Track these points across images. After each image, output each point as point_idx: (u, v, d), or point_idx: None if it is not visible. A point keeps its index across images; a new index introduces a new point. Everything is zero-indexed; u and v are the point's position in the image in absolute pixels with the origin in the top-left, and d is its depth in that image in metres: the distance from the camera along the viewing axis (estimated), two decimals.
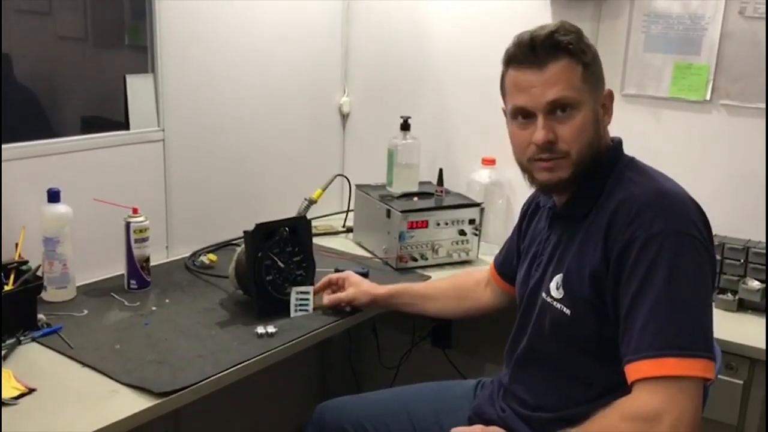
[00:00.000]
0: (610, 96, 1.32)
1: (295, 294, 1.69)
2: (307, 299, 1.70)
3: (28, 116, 1.85)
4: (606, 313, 1.23)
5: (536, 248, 1.42)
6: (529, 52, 1.25)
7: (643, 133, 1.97)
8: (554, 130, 1.25)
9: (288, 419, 2.41)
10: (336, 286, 1.74)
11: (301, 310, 1.69)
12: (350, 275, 1.74)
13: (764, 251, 1.78)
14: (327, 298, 1.71)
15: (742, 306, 1.80)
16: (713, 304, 1.24)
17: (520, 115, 1.29)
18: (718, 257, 1.80)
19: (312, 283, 1.74)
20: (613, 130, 1.37)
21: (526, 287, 1.41)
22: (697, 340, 1.13)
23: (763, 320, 1.76)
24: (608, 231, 1.21)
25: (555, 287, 1.30)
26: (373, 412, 1.59)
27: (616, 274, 1.20)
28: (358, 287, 1.71)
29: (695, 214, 1.21)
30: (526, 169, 1.32)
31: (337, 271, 1.95)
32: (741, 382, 1.65)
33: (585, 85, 1.26)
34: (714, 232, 1.28)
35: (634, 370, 1.15)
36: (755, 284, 1.78)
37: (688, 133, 1.98)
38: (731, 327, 1.67)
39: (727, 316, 1.77)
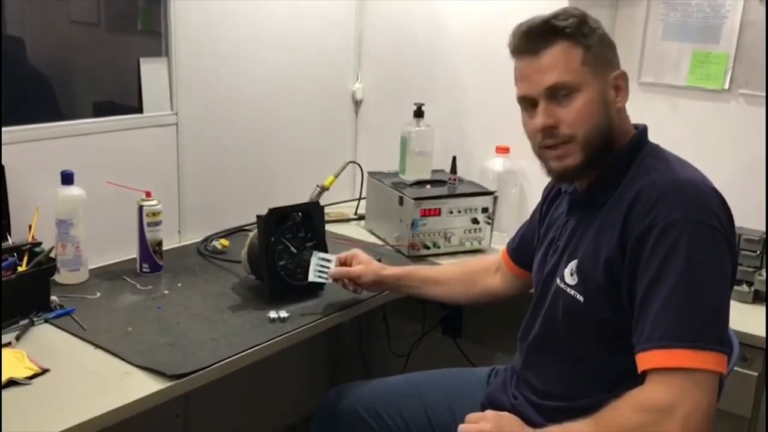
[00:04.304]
0: (623, 76, 1.29)
1: (315, 258, 1.67)
2: (328, 267, 1.68)
3: (40, 101, 1.85)
4: (620, 301, 1.21)
5: (554, 233, 1.40)
6: (526, 40, 1.26)
7: (660, 122, 1.92)
8: (556, 114, 1.25)
9: (298, 404, 2.42)
10: (345, 265, 1.71)
11: (319, 276, 1.67)
12: (358, 253, 1.70)
13: None
14: (334, 270, 1.67)
15: (758, 297, 1.79)
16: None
17: (528, 105, 1.29)
18: None
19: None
20: (630, 118, 1.34)
21: (541, 273, 1.40)
22: (711, 332, 1.12)
23: None
24: (627, 218, 1.20)
25: (569, 273, 1.29)
26: (386, 396, 1.59)
27: (632, 261, 1.18)
28: (367, 265, 1.68)
29: (717, 204, 1.18)
30: (541, 157, 1.32)
31: None
32: (755, 374, 1.64)
33: (585, 68, 1.24)
34: None
35: (645, 360, 1.13)
36: None
37: (706, 122, 1.96)
38: (746, 318, 1.65)
39: (742, 307, 1.76)
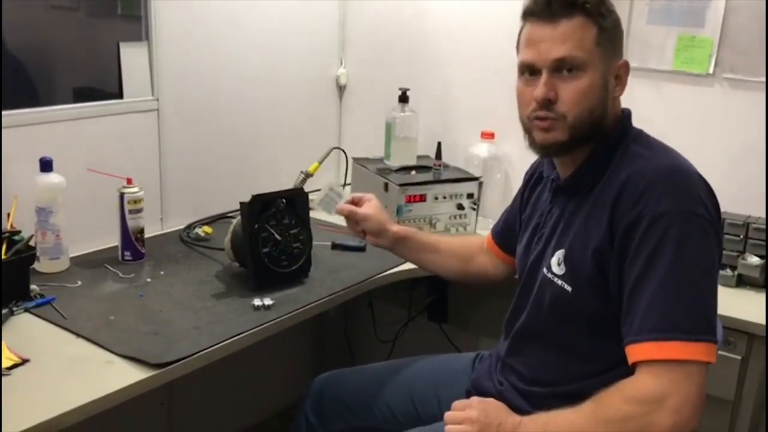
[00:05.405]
0: (626, 67, 1.29)
1: (327, 189, 1.65)
2: (337, 201, 1.65)
3: (18, 87, 1.82)
4: (608, 292, 1.21)
5: (538, 220, 1.39)
6: (545, 6, 1.22)
7: (645, 106, 1.91)
8: (556, 89, 1.22)
9: (283, 392, 2.42)
10: (356, 205, 1.66)
11: (325, 207, 1.65)
12: (372, 199, 1.66)
13: (764, 227, 1.77)
14: (342, 206, 1.63)
15: (741, 282, 1.80)
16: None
17: (527, 71, 1.26)
18: None
19: (309, 258, 1.73)
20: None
21: (526, 261, 1.39)
22: (701, 323, 1.12)
23: (762, 296, 1.76)
24: (614, 207, 1.19)
25: (556, 263, 1.28)
26: (371, 385, 1.58)
27: (621, 252, 1.18)
28: (376, 213, 1.62)
29: (704, 192, 1.18)
30: (527, 127, 1.29)
31: (334, 244, 1.94)
32: (739, 357, 1.65)
33: (597, 49, 1.22)
34: None
35: (636, 352, 1.13)
36: (754, 260, 1.77)
37: (691, 106, 1.96)
38: (730, 302, 1.64)
39: (725, 291, 1.76)
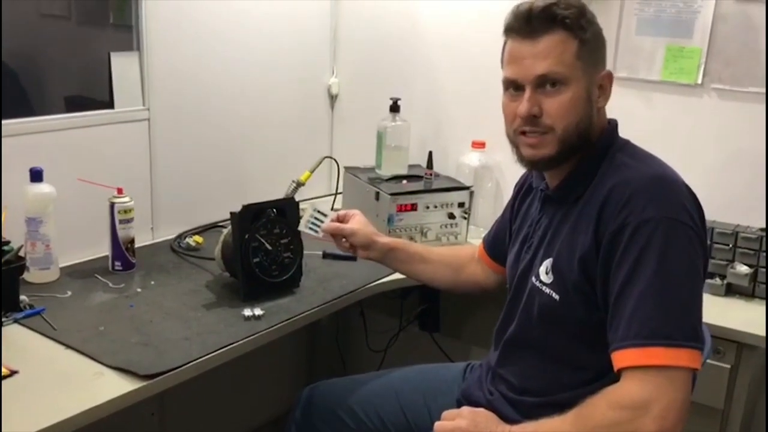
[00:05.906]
0: (609, 77, 1.30)
1: (311, 210, 1.65)
2: (322, 222, 1.64)
3: (8, 96, 1.81)
4: (595, 300, 1.22)
5: (527, 230, 1.40)
6: (525, 23, 1.24)
7: (634, 116, 1.95)
8: (540, 103, 1.24)
9: (275, 402, 2.41)
10: (341, 222, 1.67)
11: (311, 229, 1.64)
12: (357, 213, 1.67)
13: (753, 236, 1.78)
14: (326, 224, 1.64)
15: (730, 290, 1.81)
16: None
17: (511, 87, 1.28)
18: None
19: (300, 267, 1.73)
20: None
21: (515, 270, 1.40)
22: (685, 329, 1.13)
23: (751, 305, 1.77)
24: (600, 216, 1.20)
25: (545, 272, 1.29)
26: (362, 394, 1.58)
27: (606, 260, 1.19)
28: (362, 227, 1.64)
29: (689, 201, 1.19)
30: (514, 142, 1.31)
31: (325, 254, 1.94)
32: (728, 366, 1.66)
33: (578, 62, 1.24)
34: None
35: (620, 358, 1.14)
36: (743, 269, 1.78)
37: (679, 116, 1.97)
38: (719, 311, 1.67)
39: (714, 300, 1.78)
